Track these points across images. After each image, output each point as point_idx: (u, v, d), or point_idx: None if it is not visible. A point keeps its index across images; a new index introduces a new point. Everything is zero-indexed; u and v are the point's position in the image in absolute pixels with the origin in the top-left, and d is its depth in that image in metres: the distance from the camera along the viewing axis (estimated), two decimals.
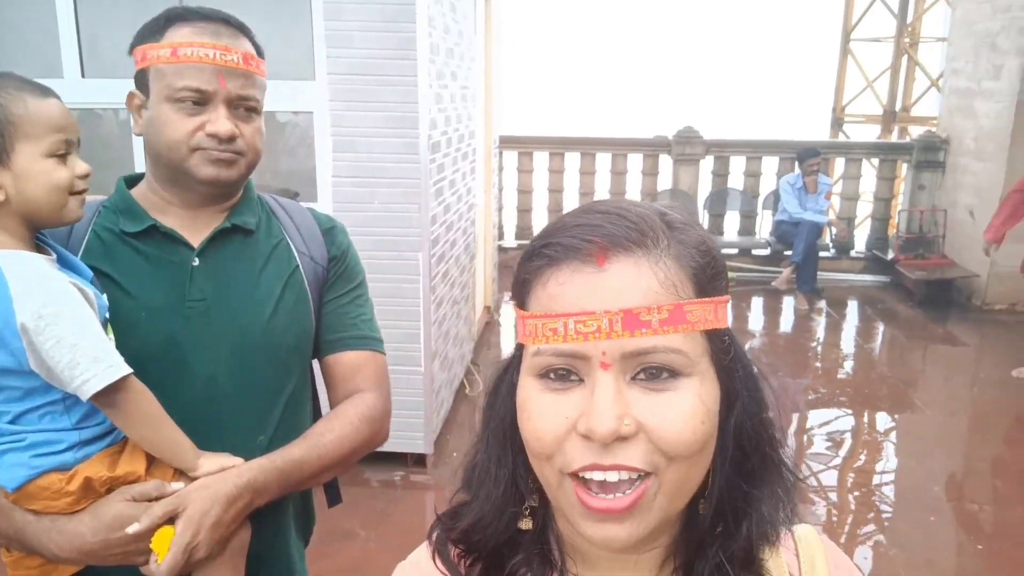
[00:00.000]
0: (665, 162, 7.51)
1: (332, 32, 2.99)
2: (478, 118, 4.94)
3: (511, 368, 0.65)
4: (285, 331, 1.25)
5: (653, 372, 0.56)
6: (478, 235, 5.15)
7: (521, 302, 0.61)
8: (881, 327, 6.38)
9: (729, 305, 0.61)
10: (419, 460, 3.60)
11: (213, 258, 1.21)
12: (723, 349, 0.60)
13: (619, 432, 0.54)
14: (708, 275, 0.59)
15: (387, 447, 3.65)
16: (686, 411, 0.56)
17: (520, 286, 0.61)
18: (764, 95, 41.57)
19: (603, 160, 7.50)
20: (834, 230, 7.33)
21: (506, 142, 6.97)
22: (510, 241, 7.62)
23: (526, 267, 0.60)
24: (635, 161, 7.53)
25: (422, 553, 0.71)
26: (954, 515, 3.46)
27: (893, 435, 4.44)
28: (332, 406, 1.31)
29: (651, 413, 0.55)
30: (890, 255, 7.21)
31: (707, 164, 7.49)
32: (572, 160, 7.51)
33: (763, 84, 46.84)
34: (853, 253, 7.55)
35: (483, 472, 0.67)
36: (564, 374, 0.57)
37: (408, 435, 3.47)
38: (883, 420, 4.59)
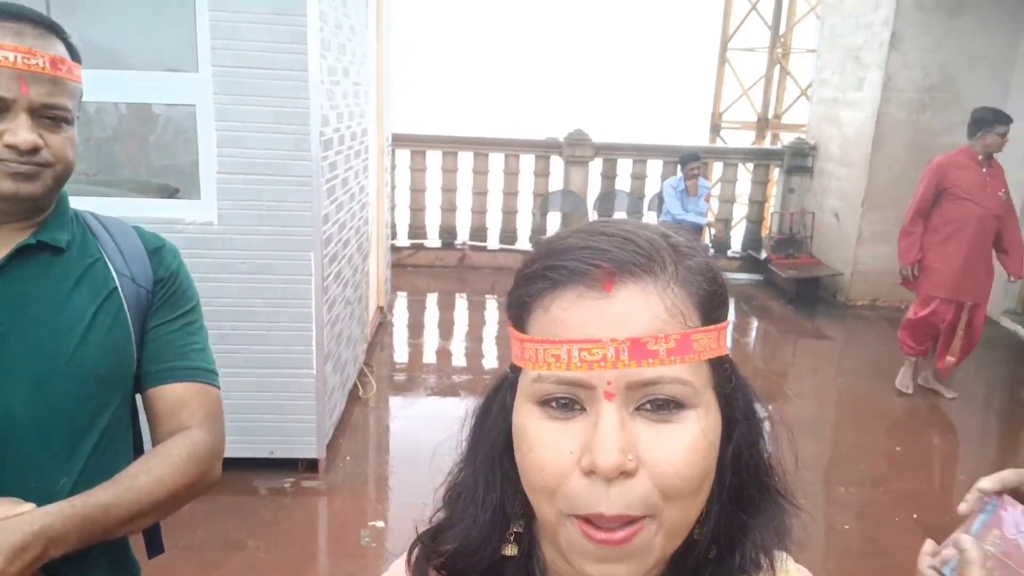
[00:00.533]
0: (556, 163, 7.65)
1: (217, 23, 2.87)
2: (370, 115, 4.87)
3: (504, 388, 0.63)
4: (97, 360, 1.13)
5: (658, 404, 0.54)
6: (371, 234, 5.08)
7: (518, 323, 0.58)
8: (756, 323, 6.76)
9: (729, 329, 0.60)
10: (311, 465, 3.51)
11: (12, 278, 1.09)
12: (726, 378, 0.59)
13: (623, 467, 0.52)
14: (714, 303, 0.57)
15: (278, 452, 3.57)
16: (688, 446, 0.54)
17: (518, 307, 0.58)
18: (650, 100, 43.04)
19: (496, 160, 7.56)
20: (713, 231, 7.69)
21: (399, 140, 6.90)
22: (403, 240, 7.56)
23: (527, 288, 0.57)
24: (527, 162, 7.63)
25: (399, 573, 0.69)
26: (823, 497, 3.72)
27: (767, 424, 4.71)
28: (155, 445, 1.18)
29: (654, 448, 0.53)
30: (763, 255, 7.64)
31: (596, 166, 7.69)
32: (465, 159, 7.52)
33: (650, 89, 48.50)
34: (730, 253, 7.94)
35: (469, 495, 0.64)
36: (566, 403, 0.55)
37: (299, 440, 3.38)
38: (758, 410, 4.86)
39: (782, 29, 12.57)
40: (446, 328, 6.29)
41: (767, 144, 11.60)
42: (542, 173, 7.64)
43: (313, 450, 3.44)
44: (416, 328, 6.25)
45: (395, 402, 4.62)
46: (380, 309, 5.74)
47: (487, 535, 0.63)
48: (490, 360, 5.52)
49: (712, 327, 0.56)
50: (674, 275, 0.55)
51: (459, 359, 5.49)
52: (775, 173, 8.09)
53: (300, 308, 3.22)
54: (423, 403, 4.60)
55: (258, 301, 3.13)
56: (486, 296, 6.99)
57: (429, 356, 5.59)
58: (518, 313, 0.58)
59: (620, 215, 7.73)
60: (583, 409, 0.55)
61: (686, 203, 6.80)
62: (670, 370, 0.53)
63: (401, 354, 5.51)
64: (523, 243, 7.77)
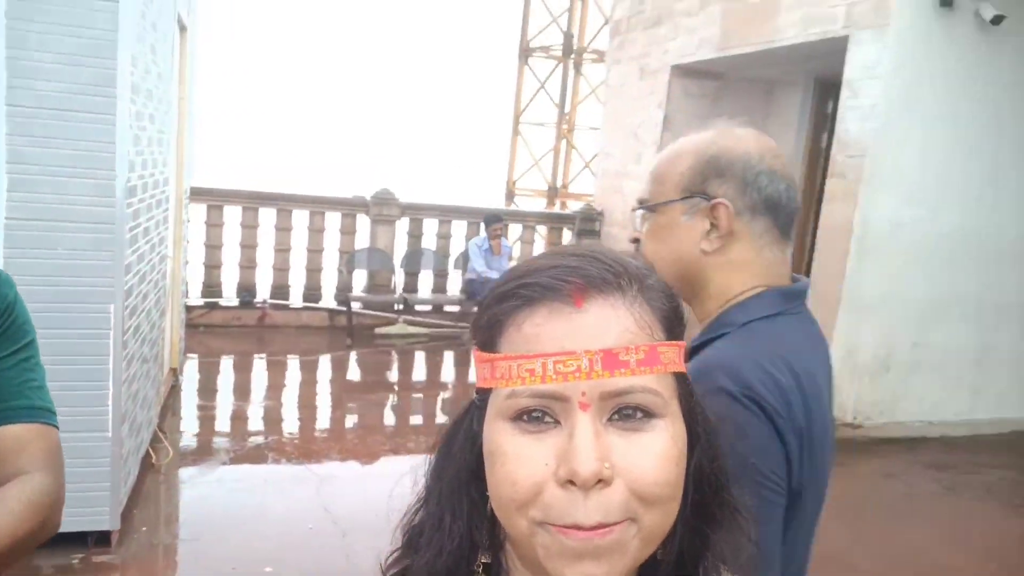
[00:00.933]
0: (363, 221, 7.69)
1: (16, 61, 2.67)
2: (172, 165, 4.67)
3: (470, 415, 0.64)
4: None
5: (628, 413, 0.56)
6: (168, 290, 4.80)
7: (488, 345, 0.60)
8: None
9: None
10: (103, 538, 3.20)
11: None
12: (688, 391, 0.61)
13: (601, 474, 0.53)
14: (675, 320, 0.61)
15: (66, 525, 3.19)
16: (660, 453, 0.56)
17: (488, 328, 0.60)
18: (452, 164, 44.40)
19: (300, 217, 7.45)
20: None
21: (197, 194, 6.61)
22: (196, 299, 7.15)
23: (499, 307, 0.59)
24: (333, 219, 7.60)
25: None
26: None
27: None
28: None
29: (627, 456, 0.55)
30: None
31: (403, 225, 7.83)
32: (267, 215, 7.34)
33: (452, 154, 50.08)
34: None
35: (433, 528, 0.63)
36: (539, 416, 0.56)
37: (91, 511, 3.08)
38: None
39: (567, 108, 13.70)
40: (242, 390, 6.01)
41: (557, 210, 12.46)
42: (348, 231, 7.65)
43: (106, 521, 3.15)
44: (210, 391, 5.92)
45: (190, 470, 4.32)
46: (173, 371, 5.38)
47: (454, 565, 0.62)
48: (290, 423, 5.35)
49: (675, 342, 0.60)
50: (640, 291, 0.59)
51: (256, 423, 5.26)
52: (566, 235, 8.73)
53: (97, 365, 2.98)
54: (221, 470, 4.35)
55: (49, 358, 2.85)
56: (288, 356, 6.79)
57: (224, 420, 5.31)
58: (488, 335, 0.60)
59: (427, 273, 7.91)
60: (557, 422, 0.56)
61: (490, 261, 7.13)
62: (640, 380, 0.56)
63: (193, 419, 5.18)
64: (328, 301, 7.67)
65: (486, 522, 0.62)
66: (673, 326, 0.60)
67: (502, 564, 0.63)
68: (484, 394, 0.61)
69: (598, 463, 0.53)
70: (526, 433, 0.56)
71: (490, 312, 0.60)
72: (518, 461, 0.56)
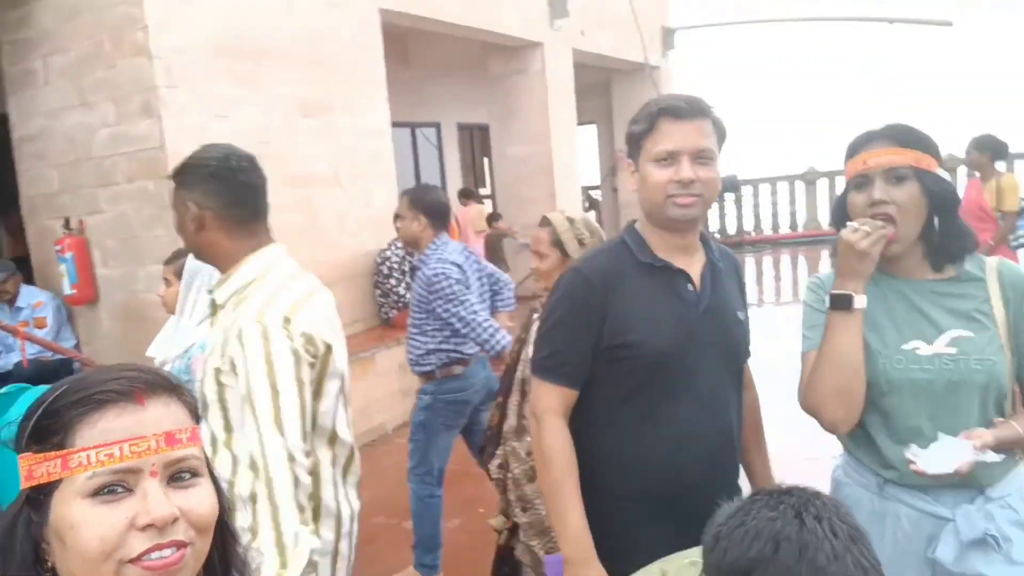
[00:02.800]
0: None
1: None
2: None
3: (22, 513, 0.81)
4: None
5: (181, 476, 0.81)
6: None
7: (55, 446, 0.78)
8: None
9: None
10: None
11: None
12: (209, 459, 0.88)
13: (174, 516, 0.78)
14: (196, 412, 0.88)
15: None
16: (205, 499, 0.83)
17: (57, 432, 0.78)
18: None
19: None
20: None
21: None
22: None
23: (68, 415, 0.78)
24: None
25: None
26: None
27: None
28: None
29: (185, 503, 0.80)
30: None
31: None
32: None
33: None
34: None
35: None
36: (114, 489, 0.77)
37: None
38: None
39: None
40: None
41: None
42: None
43: None
44: None
45: None
46: None
47: None
48: None
49: (198, 425, 0.87)
50: (174, 392, 0.85)
51: None
52: None
53: None
54: None
55: None
56: None
57: None
58: (56, 437, 0.78)
59: None
60: (129, 491, 0.78)
61: None
62: (190, 451, 0.82)
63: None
64: None
65: None
66: (198, 415, 0.88)
67: None
68: (44, 489, 0.79)
69: (171, 508, 0.78)
70: (106, 503, 0.77)
71: (53, 421, 0.79)
72: (103, 522, 0.77)
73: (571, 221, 2.37)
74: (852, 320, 1.49)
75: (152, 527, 0.77)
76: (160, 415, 0.81)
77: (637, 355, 1.57)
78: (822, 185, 12.93)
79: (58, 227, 5.00)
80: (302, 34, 5.53)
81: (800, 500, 0.96)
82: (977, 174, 5.52)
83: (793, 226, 13.41)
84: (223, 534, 0.89)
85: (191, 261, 2.31)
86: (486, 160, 12.91)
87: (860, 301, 1.49)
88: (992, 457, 1.38)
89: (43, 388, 0.85)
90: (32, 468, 0.79)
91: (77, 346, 5.07)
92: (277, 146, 5.16)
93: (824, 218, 12.83)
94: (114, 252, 4.92)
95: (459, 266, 3.21)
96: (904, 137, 1.50)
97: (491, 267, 3.60)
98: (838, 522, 0.93)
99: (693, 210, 1.55)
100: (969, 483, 1.45)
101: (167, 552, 0.78)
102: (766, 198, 13.38)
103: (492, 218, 8.72)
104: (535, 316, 2.22)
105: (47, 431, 0.79)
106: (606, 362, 1.60)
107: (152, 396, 0.82)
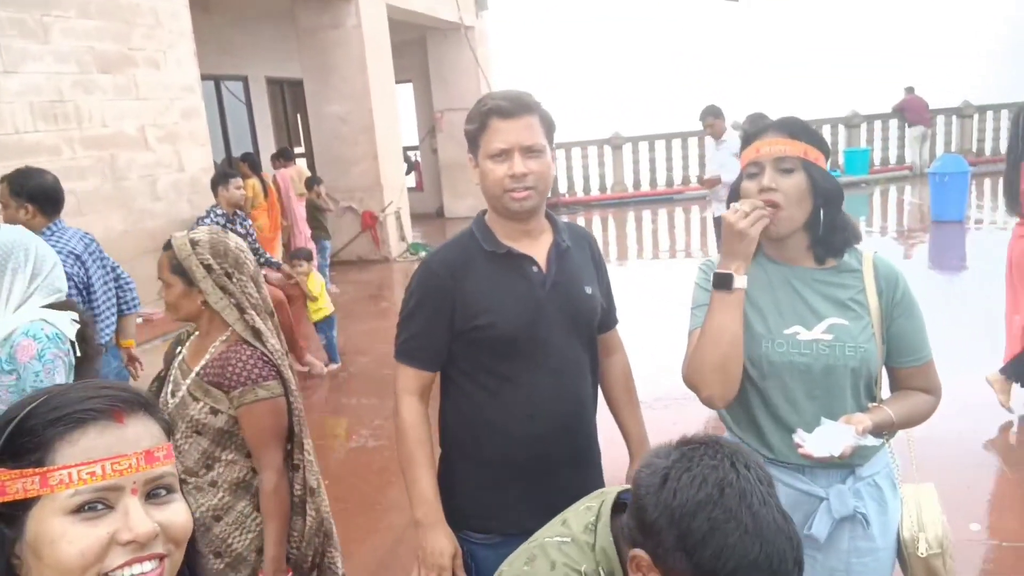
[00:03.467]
0: None
1: None
2: None
3: None
4: None
5: (158, 493, 0.82)
6: None
7: (34, 464, 0.78)
8: None
9: None
10: None
11: None
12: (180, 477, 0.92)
13: (156, 531, 0.79)
14: (168, 431, 0.89)
15: None
16: (181, 513, 0.84)
17: (35, 449, 0.78)
18: None
19: None
20: None
21: None
22: None
23: (46, 432, 0.79)
24: None
25: None
26: None
27: None
28: None
29: (163, 518, 0.81)
30: None
31: None
32: None
33: None
34: None
35: None
36: (95, 507, 0.78)
37: None
38: None
39: None
40: None
41: None
42: None
43: None
44: None
45: None
46: None
47: None
48: None
49: (171, 442, 0.89)
50: (152, 410, 0.86)
51: None
52: None
53: None
54: None
55: None
56: None
57: None
58: (36, 455, 0.78)
59: None
60: (110, 508, 0.79)
61: None
62: (167, 468, 0.84)
63: None
64: None
65: None
66: (171, 432, 0.89)
67: None
68: (21, 505, 0.78)
69: (152, 524, 0.79)
70: (86, 521, 0.78)
71: (32, 437, 0.79)
72: (84, 538, 0.77)
73: (194, 244, 1.93)
74: (732, 299, 1.54)
75: (134, 543, 0.78)
76: (140, 433, 0.82)
77: (490, 335, 1.70)
78: (627, 150, 13.73)
79: None
80: None
81: (730, 450, 1.06)
82: None
83: (602, 188, 14.15)
84: (191, 547, 0.90)
85: (2, 240, 2.04)
86: (299, 117, 12.36)
87: (740, 281, 1.54)
88: (872, 441, 1.47)
89: None
90: (6, 484, 0.78)
91: None
92: (75, 105, 4.65)
93: (629, 181, 13.74)
94: None
95: (78, 256, 3.07)
96: (795, 130, 1.58)
97: (114, 262, 3.41)
98: (761, 471, 1.05)
99: (529, 202, 1.68)
100: (842, 463, 1.52)
101: (147, 566, 0.79)
102: (577, 161, 13.98)
103: (310, 182, 8.34)
104: (178, 350, 2.04)
105: (24, 448, 0.78)
106: (464, 343, 1.73)
107: (130, 414, 0.83)
